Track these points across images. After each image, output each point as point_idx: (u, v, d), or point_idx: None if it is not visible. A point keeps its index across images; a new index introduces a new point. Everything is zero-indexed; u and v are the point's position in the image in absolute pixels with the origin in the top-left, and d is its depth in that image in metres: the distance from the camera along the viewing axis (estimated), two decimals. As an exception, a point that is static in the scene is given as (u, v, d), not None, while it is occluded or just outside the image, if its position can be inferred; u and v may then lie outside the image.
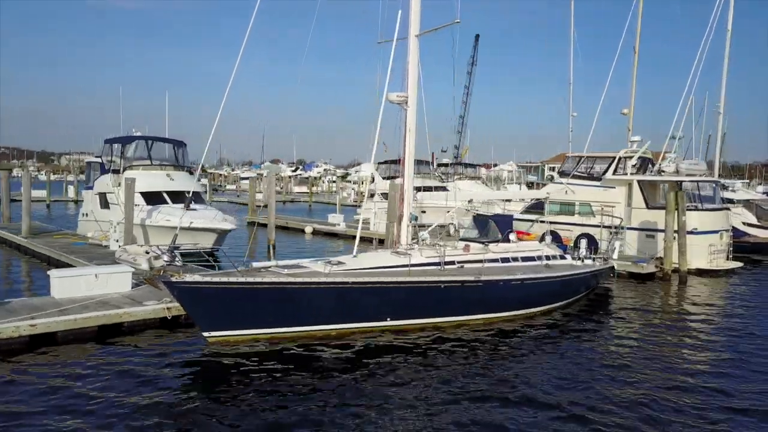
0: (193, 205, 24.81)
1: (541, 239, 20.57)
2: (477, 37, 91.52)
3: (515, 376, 11.34)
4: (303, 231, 36.84)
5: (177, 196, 25.19)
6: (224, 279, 12.28)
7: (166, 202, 24.70)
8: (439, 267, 14.94)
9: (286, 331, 13.14)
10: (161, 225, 23.24)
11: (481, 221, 18.06)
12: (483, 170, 53.02)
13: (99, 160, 27.81)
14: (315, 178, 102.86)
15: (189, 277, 12.06)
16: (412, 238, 16.47)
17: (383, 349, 12.83)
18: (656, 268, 22.54)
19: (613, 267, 19.82)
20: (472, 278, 14.53)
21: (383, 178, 41.45)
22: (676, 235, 22.19)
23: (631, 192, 25.42)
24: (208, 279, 12.18)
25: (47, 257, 22.40)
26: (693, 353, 13.29)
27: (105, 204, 26.09)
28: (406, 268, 14.16)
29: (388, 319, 13.94)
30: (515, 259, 16.63)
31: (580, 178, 27.21)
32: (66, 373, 10.74)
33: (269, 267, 13.96)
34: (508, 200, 29.23)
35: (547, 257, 17.49)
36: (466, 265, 15.59)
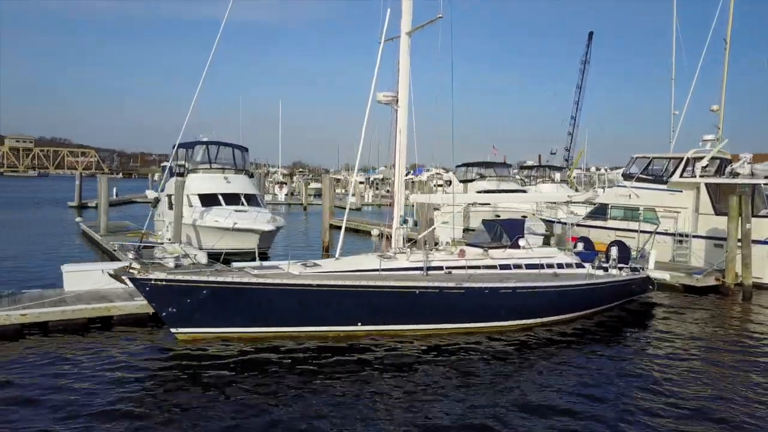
0: (245, 207, 25.94)
1: (575, 246, 19.25)
2: (590, 34, 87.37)
3: (464, 402, 10.21)
4: (370, 233, 37.12)
5: (232, 198, 26.36)
6: (183, 277, 12.67)
7: (220, 204, 25.88)
8: (423, 272, 14.43)
9: (253, 332, 13.31)
10: (210, 225, 24.42)
11: (489, 225, 17.20)
12: (575, 172, 50.29)
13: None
14: (422, 182, 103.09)
15: (151, 274, 12.56)
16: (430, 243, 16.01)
17: (351, 353, 12.59)
18: (716, 281, 20.15)
19: (647, 278, 18.00)
20: (452, 284, 13.87)
21: (460, 181, 40.73)
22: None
23: (698, 196, 22.97)
24: (167, 276, 12.61)
25: (109, 251, 24.41)
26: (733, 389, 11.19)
27: (171, 205, 27.85)
28: (378, 272, 13.80)
29: (359, 324, 13.66)
30: (518, 267, 15.64)
31: (645, 180, 25.03)
32: (44, 362, 11.53)
33: (245, 267, 14.20)
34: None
35: (559, 265, 16.28)
36: (459, 271, 14.92)
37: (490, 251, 15.89)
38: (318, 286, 13.16)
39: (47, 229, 35.26)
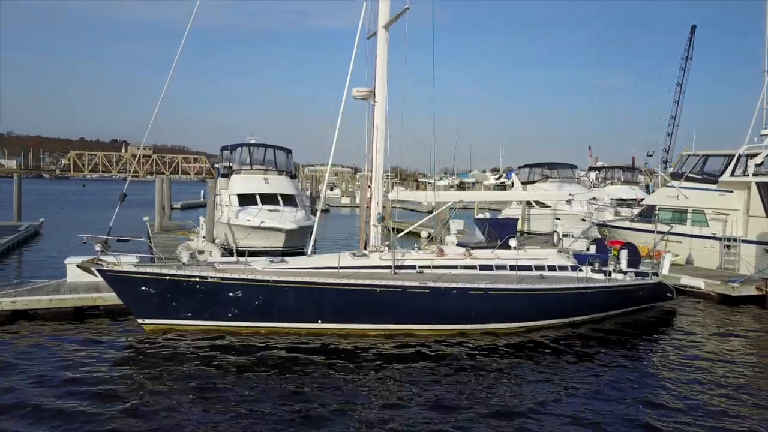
0: (278, 207, 26.48)
1: (587, 248, 18.01)
2: (693, 28, 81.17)
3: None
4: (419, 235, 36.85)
5: (269, 198, 27.01)
6: (146, 269, 13.10)
7: (257, 204, 26.58)
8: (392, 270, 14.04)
9: (215, 325, 13.52)
10: (241, 224, 25.15)
11: (480, 224, 16.43)
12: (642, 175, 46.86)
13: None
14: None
15: (116, 266, 13.09)
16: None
17: (308, 351, 12.48)
18: (758, 291, 18.04)
19: (660, 284, 16.39)
20: (415, 284, 13.38)
21: (522, 183, 39.31)
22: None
23: (749, 197, 20.72)
24: (132, 268, 13.09)
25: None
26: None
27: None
28: (336, 270, 13.58)
29: (319, 321, 13.50)
30: (501, 268, 14.83)
31: (694, 180, 22.93)
32: (26, 345, 12.35)
33: (215, 262, 14.47)
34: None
35: (551, 267, 15.25)
36: (433, 271, 14.41)
37: (475, 251, 15.19)
38: (274, 282, 13.16)
39: (123, 226, 37.72)
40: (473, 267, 14.75)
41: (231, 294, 13.14)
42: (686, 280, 18.88)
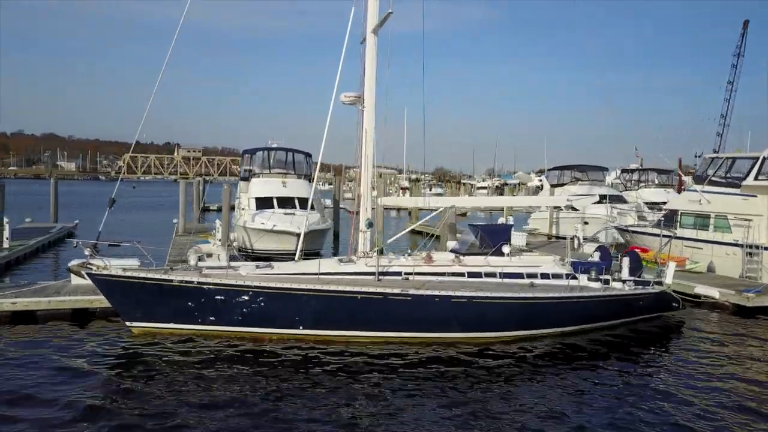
0: (294, 210, 26.67)
1: (592, 255, 17.48)
2: (746, 23, 77.84)
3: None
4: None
5: (286, 202, 27.23)
6: (132, 273, 13.37)
7: (273, 207, 26.84)
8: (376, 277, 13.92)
9: (200, 329, 13.68)
10: (257, 228, 25.43)
11: (473, 230, 16.11)
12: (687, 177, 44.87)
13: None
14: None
15: (105, 270, 13.41)
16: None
17: (288, 357, 12.55)
18: (776, 302, 17.10)
19: (663, 293, 15.69)
20: (397, 291, 13.22)
21: (551, 186, 38.44)
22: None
23: (773, 202, 19.69)
24: (120, 272, 13.37)
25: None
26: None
27: (233, 208, 29.50)
28: (316, 276, 13.53)
29: (301, 327, 13.49)
30: (491, 275, 14.51)
31: (718, 184, 21.91)
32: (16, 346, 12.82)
33: (202, 267, 14.63)
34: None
35: (543, 275, 14.82)
36: (420, 277, 14.21)
37: (465, 258, 14.92)
38: (256, 287, 13.23)
39: (155, 228, 38.77)
40: (461, 274, 14.48)
41: (213, 299, 13.27)
42: (700, 289, 18.05)
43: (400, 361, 12.39)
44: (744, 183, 20.67)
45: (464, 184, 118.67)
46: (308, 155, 30.28)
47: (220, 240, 25.27)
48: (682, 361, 12.94)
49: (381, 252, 15.20)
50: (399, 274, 14.24)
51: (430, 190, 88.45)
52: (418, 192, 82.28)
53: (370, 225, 15.00)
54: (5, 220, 24.06)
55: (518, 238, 29.58)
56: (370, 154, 14.96)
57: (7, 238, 23.87)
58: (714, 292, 17.71)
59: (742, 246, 20.11)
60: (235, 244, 25.12)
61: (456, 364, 12.28)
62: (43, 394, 10.22)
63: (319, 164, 15.96)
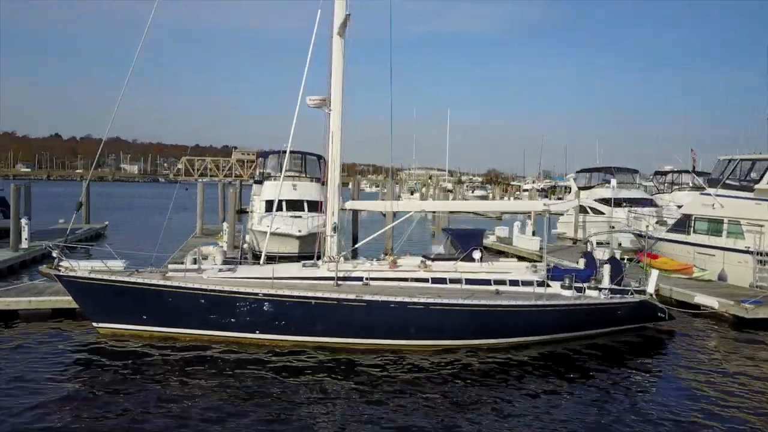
0: (301, 213, 26.78)
1: (578, 261, 16.80)
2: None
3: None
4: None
5: (295, 205, 27.36)
6: (96, 275, 13.65)
7: (282, 210, 27.00)
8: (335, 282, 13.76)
9: (163, 331, 13.84)
10: (262, 230, 25.65)
11: (444, 235, 15.71)
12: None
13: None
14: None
15: (73, 272, 13.74)
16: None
17: (245, 361, 12.55)
18: (779, 314, 15.94)
19: (645, 302, 14.85)
20: (351, 296, 13.01)
21: (579, 188, 37.25)
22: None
23: (786, 206, 18.40)
24: (85, 274, 13.67)
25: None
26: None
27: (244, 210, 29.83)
28: (269, 281, 13.45)
29: (257, 332, 13.46)
30: (456, 281, 14.07)
31: (731, 187, 20.67)
32: None
33: (177, 269, 14.74)
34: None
35: (513, 282, 14.29)
36: (381, 283, 13.98)
37: (434, 263, 14.56)
38: (211, 291, 13.28)
39: (177, 230, 39.61)
40: (425, 280, 14.13)
41: (168, 302, 13.39)
42: (700, 299, 17.05)
43: (354, 368, 12.19)
44: (757, 186, 19.44)
45: (512, 185, 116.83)
46: (320, 157, 30.30)
47: (226, 241, 25.70)
48: (656, 377, 12.23)
49: (355, 256, 15.03)
50: (360, 279, 14.02)
51: (472, 192, 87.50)
52: (460, 194, 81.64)
53: (335, 229, 14.82)
54: (24, 221, 25.05)
55: (532, 243, 28.75)
56: (336, 158, 14.79)
57: (26, 239, 24.85)
58: (713, 302, 16.70)
59: (752, 252, 18.89)
60: (246, 246, 25.42)
61: (409, 371, 12.02)
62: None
63: (284, 171, 15.88)
